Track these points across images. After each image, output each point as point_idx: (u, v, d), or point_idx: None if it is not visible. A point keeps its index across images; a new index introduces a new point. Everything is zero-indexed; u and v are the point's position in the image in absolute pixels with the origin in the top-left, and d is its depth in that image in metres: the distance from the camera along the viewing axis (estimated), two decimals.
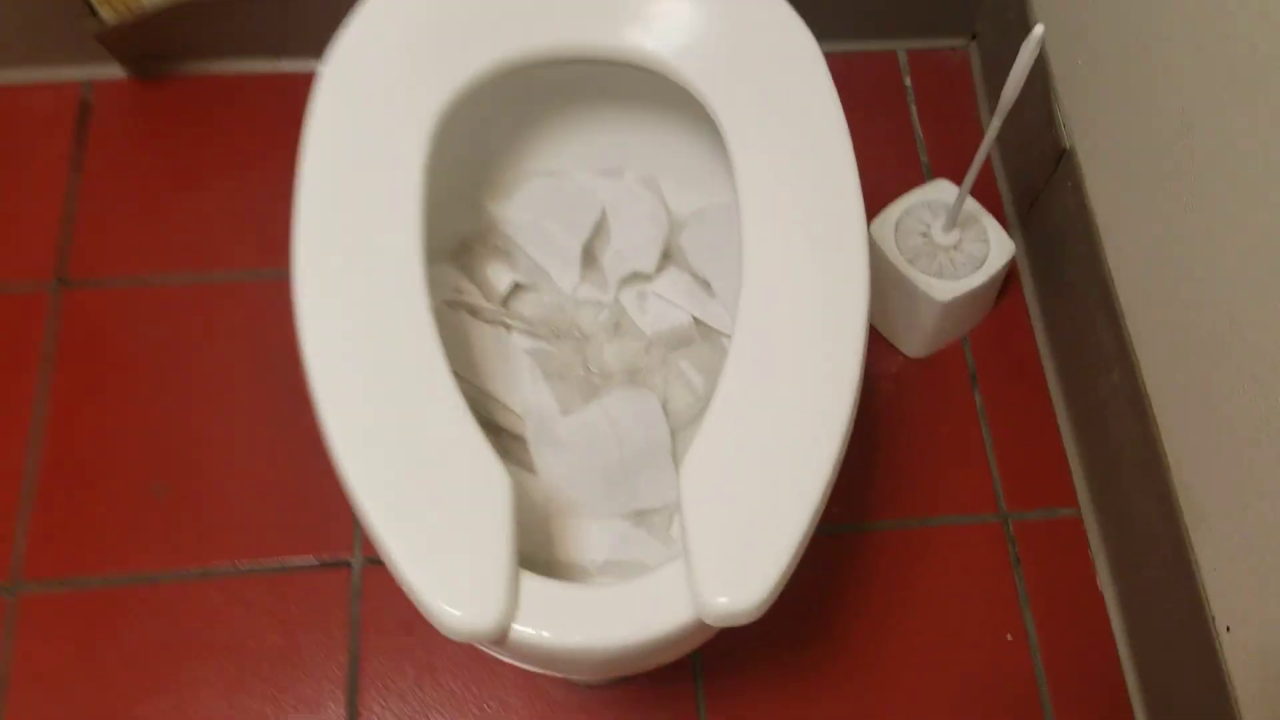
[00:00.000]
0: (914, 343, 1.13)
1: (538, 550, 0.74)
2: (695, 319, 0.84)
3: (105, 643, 0.99)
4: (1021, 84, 0.81)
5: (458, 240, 0.86)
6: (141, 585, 1.01)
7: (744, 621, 0.59)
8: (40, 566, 1.01)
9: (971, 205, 1.08)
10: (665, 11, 0.76)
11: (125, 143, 1.20)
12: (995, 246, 1.07)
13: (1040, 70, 1.09)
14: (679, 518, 0.62)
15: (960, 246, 1.07)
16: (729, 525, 0.61)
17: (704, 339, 0.84)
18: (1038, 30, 0.79)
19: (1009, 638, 1.03)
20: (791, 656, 1.01)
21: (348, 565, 1.03)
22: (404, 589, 0.59)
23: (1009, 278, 1.17)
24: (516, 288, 0.86)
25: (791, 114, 0.74)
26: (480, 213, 0.87)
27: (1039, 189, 1.13)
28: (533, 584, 0.60)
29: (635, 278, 0.85)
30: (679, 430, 0.80)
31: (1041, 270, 1.15)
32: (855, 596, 1.03)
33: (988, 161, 1.25)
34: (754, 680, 1.00)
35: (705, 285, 0.85)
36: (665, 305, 0.83)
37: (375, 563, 1.02)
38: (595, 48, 0.75)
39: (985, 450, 1.10)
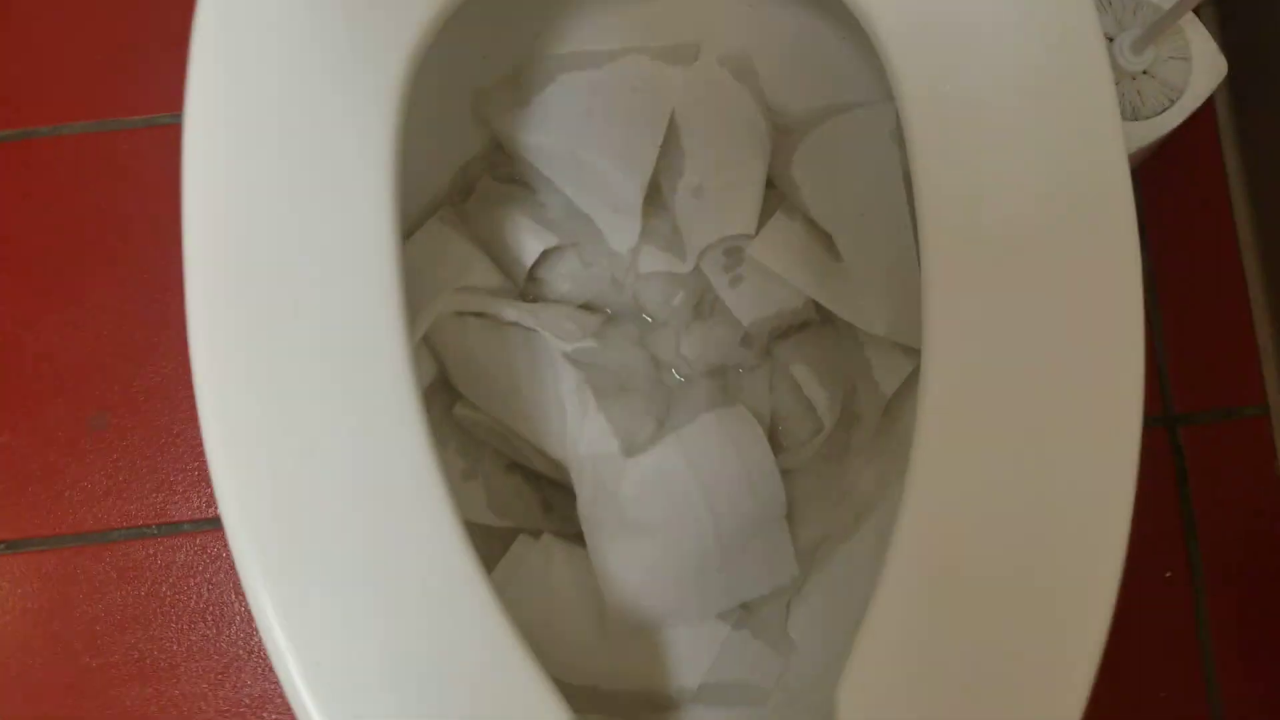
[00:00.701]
0: None
1: (602, 676, 0.52)
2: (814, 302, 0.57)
3: (60, 616, 0.81)
4: None
5: (453, 172, 0.58)
6: (94, 545, 0.82)
7: None
8: None
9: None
10: None
11: None
12: (1200, 69, 0.77)
13: None
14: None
15: (1153, 70, 0.76)
16: None
17: (824, 324, 0.57)
18: None
19: (1168, 575, 0.83)
20: None
21: None
22: None
23: None
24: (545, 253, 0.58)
25: None
26: (481, 128, 0.58)
27: None
28: None
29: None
30: (791, 471, 0.56)
31: (1244, 87, 0.85)
32: None
33: None
34: None
35: (828, 241, 0.57)
36: (767, 277, 0.56)
37: None
38: None
39: (1152, 331, 0.85)
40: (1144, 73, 0.76)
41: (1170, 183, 0.87)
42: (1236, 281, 0.86)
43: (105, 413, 0.83)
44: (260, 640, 0.79)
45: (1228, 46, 0.86)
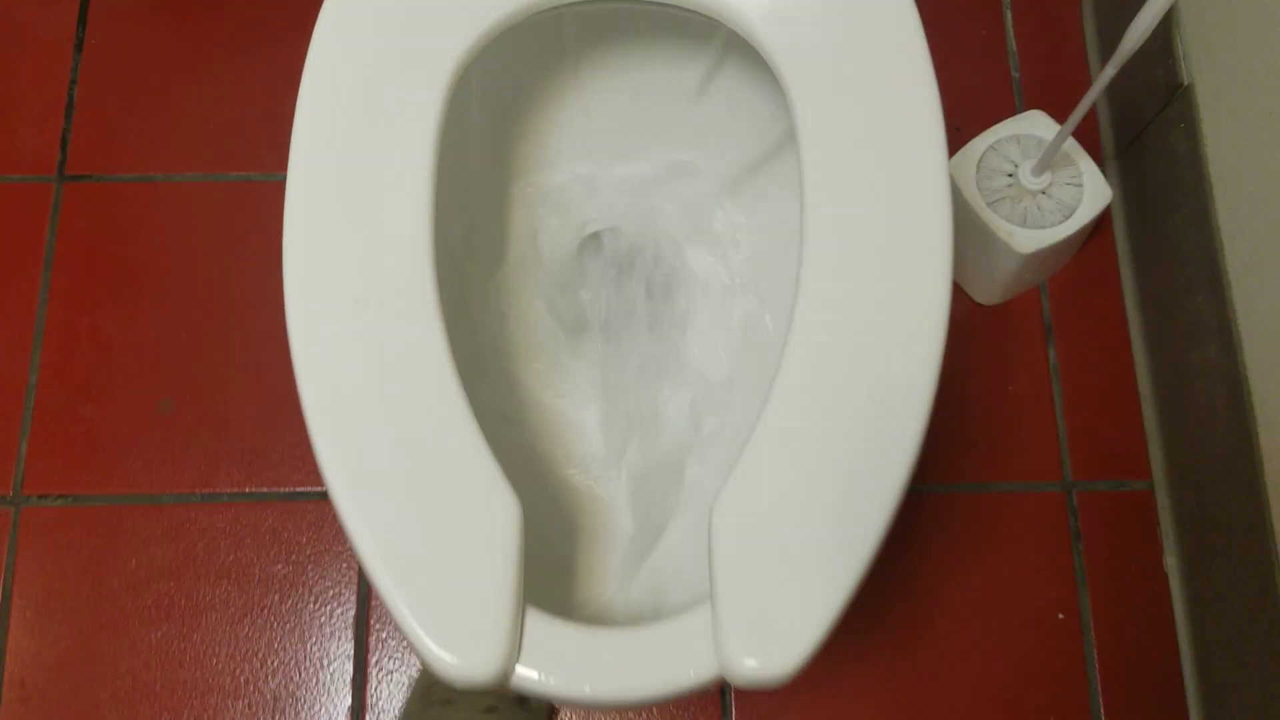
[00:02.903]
0: (986, 290, 1.03)
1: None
2: None
3: (108, 562, 0.95)
4: (1148, 34, 0.69)
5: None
6: (145, 505, 0.96)
7: (771, 688, 0.52)
8: (42, 480, 0.97)
9: (1068, 143, 0.95)
10: None
11: (131, 21, 1.10)
12: (1090, 193, 0.95)
13: None
14: (709, 561, 0.54)
15: (1050, 191, 0.95)
16: (765, 574, 0.53)
17: None
18: None
19: (1060, 616, 0.96)
20: None
21: None
22: (397, 624, 0.53)
23: (1100, 220, 1.06)
24: None
25: (866, 53, 0.63)
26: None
27: (1143, 125, 1.01)
28: (539, 624, 0.53)
29: None
30: None
31: (1136, 217, 1.04)
32: (900, 561, 0.96)
33: (1084, 88, 1.11)
34: None
35: None
36: None
37: None
38: None
39: (1055, 412, 1.01)
40: (1042, 192, 0.95)
41: (1075, 294, 1.05)
42: (1128, 377, 1.02)
43: (172, 399, 0.99)
44: (270, 597, 0.93)
45: (1122, 174, 1.06)
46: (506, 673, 0.52)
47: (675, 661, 0.53)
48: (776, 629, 0.52)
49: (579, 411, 0.75)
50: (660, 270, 0.78)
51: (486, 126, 0.76)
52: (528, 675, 0.52)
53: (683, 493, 0.74)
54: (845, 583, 0.53)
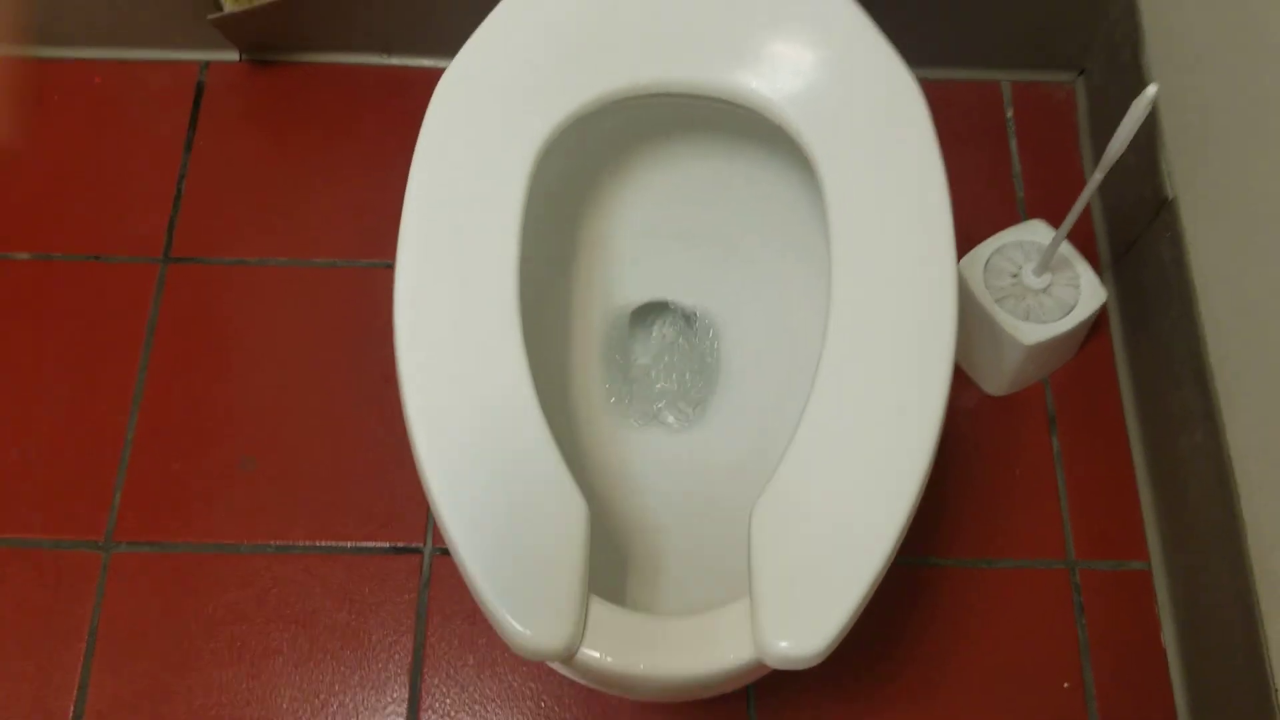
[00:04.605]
0: (994, 381, 1.13)
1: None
2: None
3: (188, 606, 1.04)
4: (1128, 142, 0.81)
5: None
6: (224, 554, 1.06)
7: (803, 667, 0.61)
8: (132, 528, 1.06)
9: (1066, 249, 1.07)
10: (769, 53, 0.77)
11: (235, 125, 1.24)
12: (1086, 293, 1.06)
13: (1148, 115, 1.07)
14: (748, 558, 0.64)
15: (1050, 290, 1.06)
16: (797, 569, 0.62)
17: None
18: (1150, 91, 0.78)
19: (1066, 685, 1.02)
20: (845, 685, 1.02)
21: (419, 552, 1.06)
22: (480, 605, 0.62)
23: (1098, 323, 1.16)
24: None
25: (890, 162, 0.75)
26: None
27: (1135, 236, 1.12)
28: (601, 610, 0.62)
29: None
30: None
31: (1130, 319, 1.14)
32: (912, 632, 1.04)
33: None
34: (807, 705, 1.01)
35: None
36: None
37: (445, 553, 1.06)
38: (701, 85, 0.77)
39: (1058, 496, 1.10)
40: (1044, 291, 1.06)
41: (1076, 388, 1.14)
42: (1125, 463, 1.11)
43: (253, 457, 1.09)
44: (334, 643, 1.01)
45: (1117, 280, 1.17)
46: (572, 649, 0.61)
47: (717, 645, 0.61)
48: (806, 617, 0.61)
49: (632, 447, 0.86)
50: (702, 339, 0.89)
51: (560, 203, 0.88)
52: (590, 654, 0.61)
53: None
54: (863, 582, 0.62)
